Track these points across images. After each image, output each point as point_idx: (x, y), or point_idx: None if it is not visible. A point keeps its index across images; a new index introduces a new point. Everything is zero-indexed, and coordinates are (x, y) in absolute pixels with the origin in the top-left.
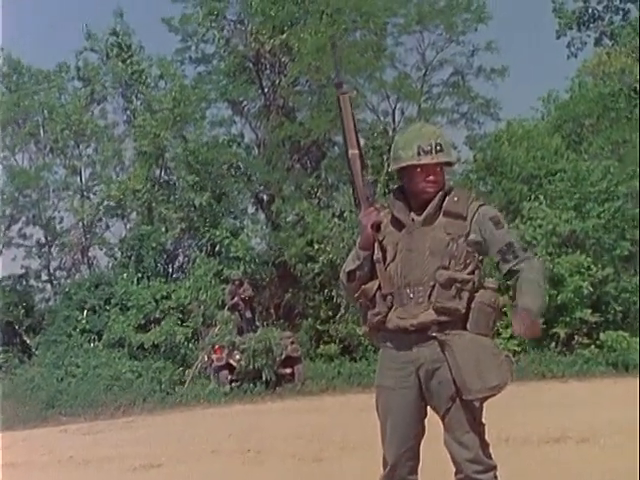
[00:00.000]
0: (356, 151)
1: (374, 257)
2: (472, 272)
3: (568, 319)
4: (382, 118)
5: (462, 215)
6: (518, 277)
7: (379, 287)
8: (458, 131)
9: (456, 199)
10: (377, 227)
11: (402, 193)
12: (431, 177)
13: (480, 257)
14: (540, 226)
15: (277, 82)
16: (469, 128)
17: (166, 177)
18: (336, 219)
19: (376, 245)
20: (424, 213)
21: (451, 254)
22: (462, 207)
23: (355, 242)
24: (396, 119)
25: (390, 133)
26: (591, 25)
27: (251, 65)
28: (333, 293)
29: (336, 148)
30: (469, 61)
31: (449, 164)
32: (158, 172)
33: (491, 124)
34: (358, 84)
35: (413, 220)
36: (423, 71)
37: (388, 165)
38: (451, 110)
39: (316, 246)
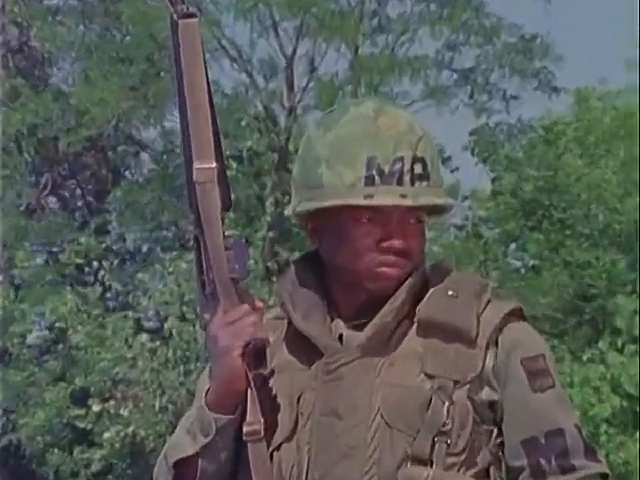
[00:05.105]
0: (212, 165)
1: (244, 429)
2: (486, 471)
3: None
4: (266, 86)
5: (466, 334)
6: None
7: None
8: (455, 119)
9: (451, 294)
10: (258, 353)
11: (314, 272)
12: (395, 240)
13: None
14: None
15: None
16: (480, 110)
17: None
18: (145, 336)
19: (251, 397)
20: (371, 324)
21: (436, 425)
22: (466, 314)
23: (192, 392)
24: (296, 91)
25: (282, 124)
26: None
27: None
28: None
29: (144, 157)
30: None
31: (440, 209)
32: None
33: (537, 98)
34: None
35: (341, 339)
36: None
37: (278, 203)
38: (434, 63)
39: (96, 407)
